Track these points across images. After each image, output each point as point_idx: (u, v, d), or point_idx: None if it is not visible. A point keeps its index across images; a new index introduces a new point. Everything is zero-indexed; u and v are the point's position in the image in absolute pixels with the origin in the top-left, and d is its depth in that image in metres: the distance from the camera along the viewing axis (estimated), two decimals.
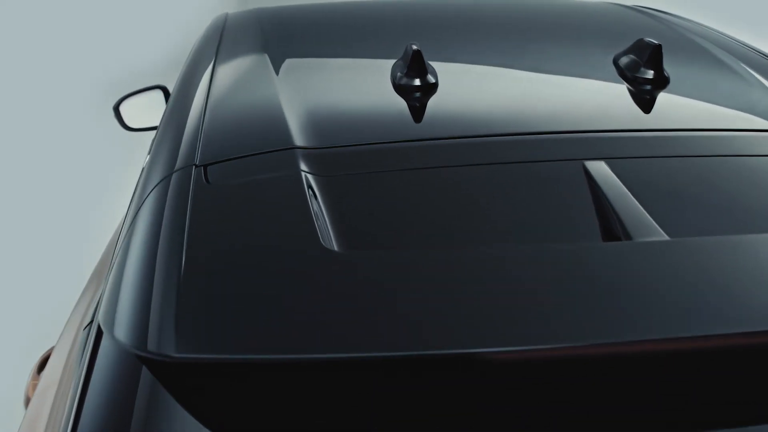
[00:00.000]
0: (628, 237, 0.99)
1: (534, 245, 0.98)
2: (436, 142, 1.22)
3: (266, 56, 1.66)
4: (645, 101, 1.39)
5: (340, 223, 1.03)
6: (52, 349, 1.70)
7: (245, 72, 1.59)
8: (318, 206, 1.07)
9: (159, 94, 2.57)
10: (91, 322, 1.34)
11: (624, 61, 1.52)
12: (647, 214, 1.03)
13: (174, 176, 1.19)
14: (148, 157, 1.41)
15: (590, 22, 1.98)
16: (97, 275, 1.76)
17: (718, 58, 1.67)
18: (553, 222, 1.05)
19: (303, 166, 1.16)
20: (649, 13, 2.14)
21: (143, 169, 1.42)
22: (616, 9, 2.18)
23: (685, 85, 1.48)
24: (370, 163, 1.17)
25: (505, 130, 1.26)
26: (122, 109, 2.51)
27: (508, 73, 1.53)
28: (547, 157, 1.18)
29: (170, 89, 2.85)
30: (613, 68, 1.54)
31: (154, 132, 2.66)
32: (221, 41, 1.84)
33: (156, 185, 1.19)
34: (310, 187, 1.11)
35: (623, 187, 1.09)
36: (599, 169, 1.14)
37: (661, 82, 1.44)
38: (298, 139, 1.24)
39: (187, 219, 1.06)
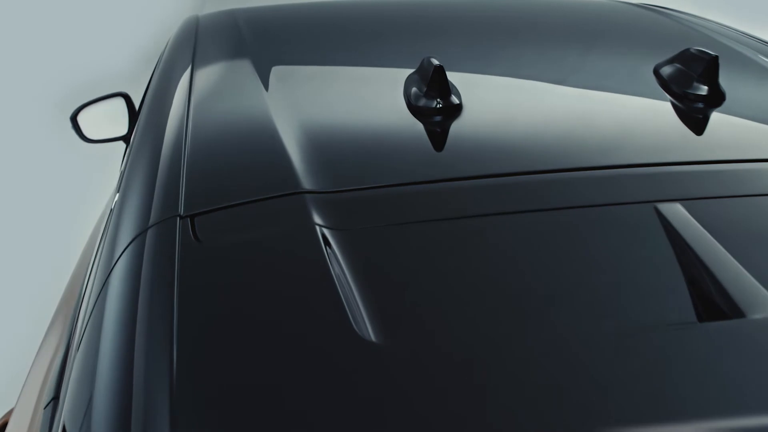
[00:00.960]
0: (739, 313, 0.78)
1: (613, 328, 0.77)
2: (474, 182, 1.00)
3: (253, 69, 1.41)
4: (705, 123, 1.20)
5: (375, 298, 0.81)
6: (10, 413, 1.46)
7: (230, 90, 1.35)
8: (342, 273, 0.84)
9: (120, 102, 2.32)
10: (55, 398, 1.11)
11: (672, 73, 1.31)
12: (753, 278, 0.82)
13: (152, 231, 0.95)
14: (116, 199, 1.16)
15: (608, 24, 1.78)
16: (59, 323, 1.51)
17: (763, 66, 1.48)
18: (630, 291, 0.83)
19: (316, 218, 0.93)
20: (667, 13, 1.95)
21: (111, 212, 1.17)
22: (628, 8, 1.99)
23: (745, 101, 1.29)
24: (401, 211, 0.95)
25: (552, 164, 1.04)
26: (80, 119, 2.27)
27: (541, 89, 1.32)
28: (609, 200, 0.97)
29: (131, 95, 2.57)
30: (657, 81, 1.33)
31: (114, 143, 2.40)
32: (195, 51, 1.58)
33: (129, 243, 0.95)
34: (327, 245, 0.89)
35: (713, 239, 0.88)
36: (676, 214, 0.93)
37: (718, 98, 1.24)
38: (306, 179, 1.01)
39: (175, 294, 0.83)
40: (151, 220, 0.96)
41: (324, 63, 1.52)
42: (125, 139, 2.22)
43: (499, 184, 1.00)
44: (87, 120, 2.29)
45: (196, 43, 1.63)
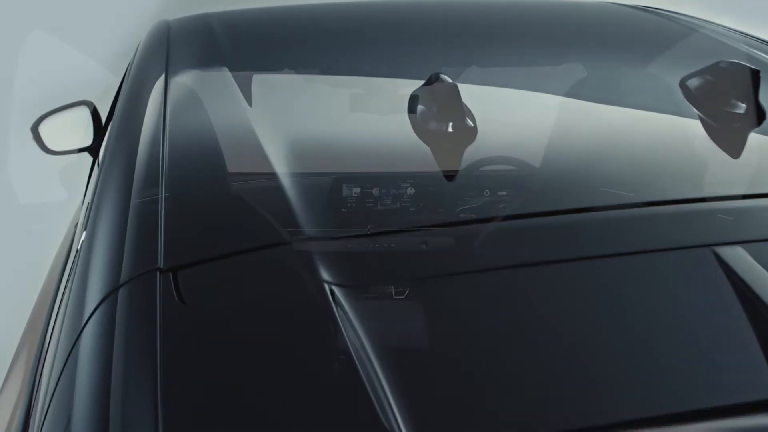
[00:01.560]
0: None
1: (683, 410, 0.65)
2: (506, 224, 0.87)
3: (233, 83, 1.26)
4: (749, 146, 1.08)
5: (407, 381, 0.67)
6: None
7: (210, 109, 1.19)
8: (360, 345, 0.70)
9: (84, 111, 2.16)
10: None
11: (704, 88, 1.18)
12: None
13: (126, 289, 0.80)
14: (83, 239, 0.99)
15: (614, 28, 1.66)
16: (19, 372, 1.35)
17: None
18: (699, 364, 0.71)
19: (322, 271, 0.79)
20: (669, 16, 1.83)
21: (77, 254, 1.01)
22: (628, 11, 1.87)
23: None
24: (427, 261, 0.81)
25: (593, 202, 0.92)
26: (42, 129, 2.10)
27: (563, 105, 1.19)
28: (661, 244, 0.84)
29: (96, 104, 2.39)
30: (685, 97, 1.21)
31: (77, 155, 2.23)
32: (168, 62, 1.41)
33: (100, 303, 0.80)
34: (338, 306, 0.74)
35: None
36: (741, 260, 0.81)
37: (761, 116, 1.12)
38: (305, 222, 0.87)
39: (157, 363, 0.68)
40: (125, 275, 0.81)
41: (312, 72, 1.38)
42: (90, 150, 2.07)
43: (535, 227, 0.87)
44: (49, 130, 2.13)
45: (168, 52, 1.47)
